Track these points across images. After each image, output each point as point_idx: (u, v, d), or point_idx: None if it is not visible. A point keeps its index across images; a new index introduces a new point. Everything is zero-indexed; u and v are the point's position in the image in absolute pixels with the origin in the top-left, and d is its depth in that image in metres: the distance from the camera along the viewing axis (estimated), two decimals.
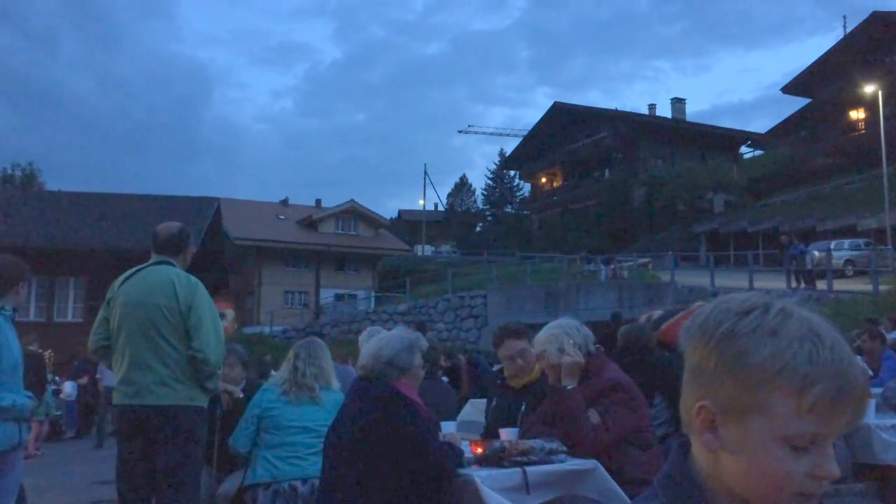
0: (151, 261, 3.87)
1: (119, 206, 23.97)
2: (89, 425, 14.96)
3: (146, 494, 3.61)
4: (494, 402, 3.84)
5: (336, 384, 4.20)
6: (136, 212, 23.15)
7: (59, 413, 15.07)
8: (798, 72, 39.95)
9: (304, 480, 3.83)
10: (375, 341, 3.23)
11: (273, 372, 8.04)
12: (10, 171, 46.03)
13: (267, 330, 28.62)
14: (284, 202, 47.53)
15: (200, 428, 3.72)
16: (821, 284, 19.84)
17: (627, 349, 4.86)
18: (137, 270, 3.82)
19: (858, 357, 6.27)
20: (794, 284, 20.26)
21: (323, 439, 3.27)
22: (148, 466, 3.59)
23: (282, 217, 43.65)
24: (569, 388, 3.20)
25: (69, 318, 22.71)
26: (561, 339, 3.33)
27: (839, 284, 19.75)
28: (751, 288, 20.22)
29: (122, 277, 3.83)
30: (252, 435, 3.99)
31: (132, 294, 3.70)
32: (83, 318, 21.29)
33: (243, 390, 4.57)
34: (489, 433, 3.66)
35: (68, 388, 15.51)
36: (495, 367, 11.70)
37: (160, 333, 3.61)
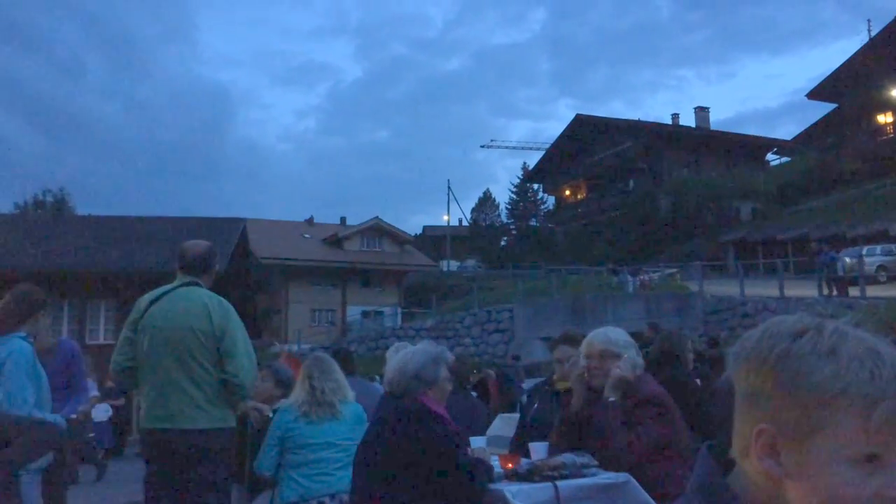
0: (179, 281, 3.84)
1: (147, 228, 24.31)
2: (123, 446, 15.08)
3: None
4: (536, 405, 3.87)
5: (352, 395, 4.20)
6: (164, 234, 23.44)
7: (91, 435, 15.21)
8: (823, 77, 39.57)
9: (333, 496, 3.82)
10: (401, 356, 3.22)
11: None
12: (41, 197, 46.88)
13: (295, 348, 28.75)
14: (309, 221, 47.85)
15: (230, 449, 3.74)
16: (853, 291, 19.52)
17: (658, 360, 4.83)
18: (166, 292, 3.79)
19: None
20: (825, 292, 19.95)
21: (347, 453, 3.26)
22: (178, 489, 3.58)
23: (307, 236, 43.93)
24: (611, 400, 3.17)
25: (101, 341, 22.96)
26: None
27: (872, 291, 19.40)
28: (781, 296, 19.98)
29: (148, 298, 3.80)
30: (276, 458, 3.98)
31: (165, 317, 3.67)
32: (115, 340, 21.46)
33: (275, 410, 4.56)
34: (523, 439, 3.63)
35: (101, 409, 15.64)
36: (525, 383, 11.63)
37: (194, 357, 3.59)
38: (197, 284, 3.82)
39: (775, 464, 0.88)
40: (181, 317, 3.65)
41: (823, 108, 41.05)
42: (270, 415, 4.32)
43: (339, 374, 4.21)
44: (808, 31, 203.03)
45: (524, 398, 5.00)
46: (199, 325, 3.62)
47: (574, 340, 3.75)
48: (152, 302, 3.76)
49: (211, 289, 3.90)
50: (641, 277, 27.81)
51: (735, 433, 0.93)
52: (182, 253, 3.91)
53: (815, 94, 40.36)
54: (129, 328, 3.76)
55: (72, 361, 4.71)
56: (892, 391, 0.83)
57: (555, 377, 3.91)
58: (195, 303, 3.69)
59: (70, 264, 22.00)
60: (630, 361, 3.23)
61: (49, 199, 47.07)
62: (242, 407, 4.10)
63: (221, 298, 3.79)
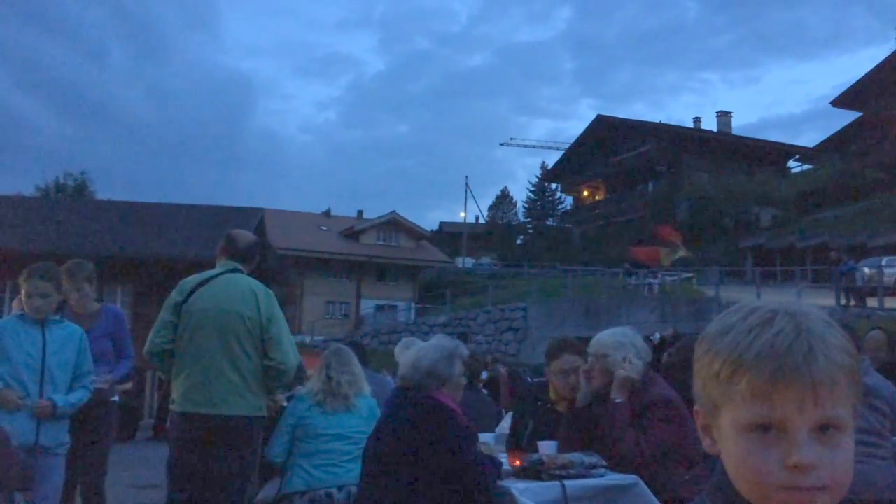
0: (223, 267, 3.85)
1: (166, 215, 24.42)
2: (132, 429, 15.19)
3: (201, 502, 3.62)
4: (532, 427, 3.62)
5: (367, 389, 4.21)
6: (182, 221, 23.55)
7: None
8: (849, 84, 39.15)
9: (340, 487, 3.83)
10: (415, 351, 3.19)
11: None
12: (62, 181, 47.28)
13: (308, 339, 28.87)
14: (327, 213, 48.00)
15: (260, 437, 3.76)
16: (871, 302, 19.33)
17: (676, 362, 4.81)
18: (211, 277, 3.79)
19: None
20: (843, 302, 19.77)
21: (358, 446, 3.25)
22: (204, 473, 3.58)
23: (324, 228, 44.08)
24: (618, 401, 3.15)
25: None
26: (628, 349, 3.24)
27: (890, 302, 19.19)
28: None
29: (192, 282, 3.78)
30: (287, 445, 4.00)
31: (213, 302, 3.66)
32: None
33: (288, 398, 4.59)
34: (518, 451, 3.49)
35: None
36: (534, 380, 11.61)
37: (240, 344, 3.60)
38: (241, 272, 3.85)
39: (711, 442, 0.92)
40: (229, 302, 3.65)
41: (848, 116, 40.69)
42: (284, 403, 4.34)
43: (358, 367, 4.22)
44: (836, 37, 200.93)
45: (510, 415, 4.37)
46: (247, 312, 3.63)
47: (578, 349, 3.58)
48: (198, 286, 3.75)
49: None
50: (650, 281, 27.58)
51: None
52: (231, 241, 3.93)
53: (840, 101, 39.98)
54: (170, 311, 3.72)
55: (116, 326, 4.64)
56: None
57: (553, 395, 3.63)
58: (243, 289, 3.70)
59: (89, 248, 22.16)
60: (636, 360, 3.20)
61: (70, 182, 47.44)
62: (277, 396, 4.12)
63: (265, 286, 3.80)
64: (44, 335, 3.64)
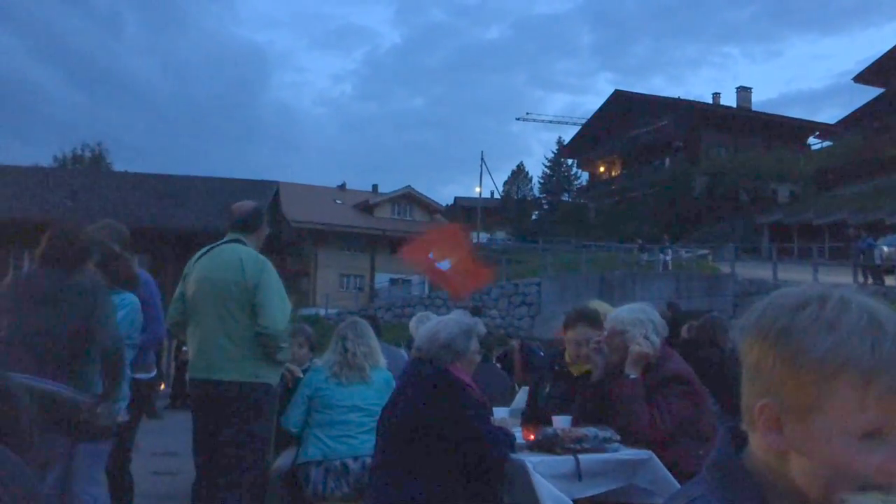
0: (225, 238, 3.97)
1: (181, 187, 24.47)
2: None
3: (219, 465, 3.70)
4: (548, 390, 3.71)
5: (383, 362, 4.24)
6: (197, 194, 23.63)
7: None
8: (872, 60, 38.43)
9: (356, 458, 3.88)
10: (433, 324, 3.23)
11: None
12: (80, 152, 47.49)
13: (322, 312, 29.00)
14: (342, 187, 47.97)
15: (267, 405, 3.78)
16: (889, 280, 19.16)
17: (696, 339, 4.81)
18: (212, 248, 3.93)
19: None
20: (860, 279, 19.62)
21: (373, 418, 3.28)
22: (216, 439, 3.68)
23: (339, 201, 44.09)
24: (632, 377, 3.15)
25: None
26: (647, 326, 3.26)
27: None
28: (815, 282, 19.65)
29: (198, 254, 3.95)
30: (303, 415, 4.06)
31: (206, 272, 3.81)
32: None
33: (304, 370, 4.63)
34: (534, 419, 3.55)
35: None
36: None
37: (228, 310, 3.70)
38: (240, 242, 3.91)
39: (778, 437, 0.88)
40: (218, 270, 3.78)
41: (870, 93, 39.96)
42: (301, 375, 4.38)
43: (374, 339, 4.27)
44: (861, 10, 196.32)
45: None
46: (233, 278, 3.73)
47: (594, 321, 3.60)
48: (199, 257, 3.91)
49: (261, 249, 3.98)
50: (664, 257, 27.32)
51: (742, 406, 0.94)
52: (231, 212, 4.06)
53: (863, 77, 39.26)
54: (182, 283, 3.93)
55: (148, 291, 4.35)
56: (892, 365, 0.82)
57: (568, 359, 3.69)
58: (231, 257, 3.81)
59: (104, 219, 22.25)
60: (653, 336, 3.21)
61: (87, 153, 47.66)
62: (292, 367, 4.19)
63: (259, 255, 3.87)
64: None
